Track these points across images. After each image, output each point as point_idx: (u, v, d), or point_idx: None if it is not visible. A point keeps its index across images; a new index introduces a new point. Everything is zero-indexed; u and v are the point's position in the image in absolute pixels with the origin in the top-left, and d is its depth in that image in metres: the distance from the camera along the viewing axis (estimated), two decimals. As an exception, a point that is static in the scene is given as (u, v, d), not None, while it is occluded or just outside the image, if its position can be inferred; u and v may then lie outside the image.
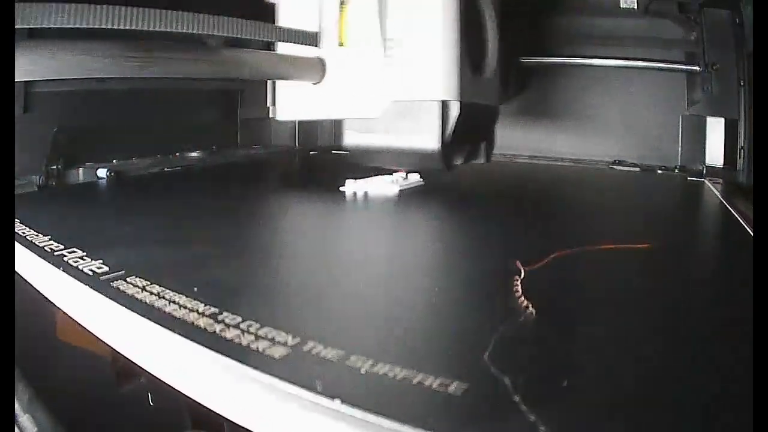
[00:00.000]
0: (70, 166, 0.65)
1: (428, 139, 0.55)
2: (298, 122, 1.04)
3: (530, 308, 0.26)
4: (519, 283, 0.29)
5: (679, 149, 0.85)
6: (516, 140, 0.93)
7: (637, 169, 0.83)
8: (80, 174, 0.66)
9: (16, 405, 0.26)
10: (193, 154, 0.83)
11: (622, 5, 0.80)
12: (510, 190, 0.71)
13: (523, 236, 0.44)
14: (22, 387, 0.27)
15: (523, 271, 0.31)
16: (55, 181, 0.62)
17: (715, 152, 0.79)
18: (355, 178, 0.60)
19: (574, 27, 0.89)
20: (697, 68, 0.77)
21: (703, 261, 0.38)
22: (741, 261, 0.35)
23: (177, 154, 0.83)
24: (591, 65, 0.87)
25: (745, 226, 0.44)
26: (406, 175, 0.63)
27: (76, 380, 0.30)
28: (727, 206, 0.54)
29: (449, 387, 0.19)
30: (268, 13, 0.61)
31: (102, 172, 0.67)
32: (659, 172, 0.82)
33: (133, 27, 0.38)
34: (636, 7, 0.79)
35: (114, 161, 0.72)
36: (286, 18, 0.61)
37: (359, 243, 0.42)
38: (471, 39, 0.57)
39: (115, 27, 0.37)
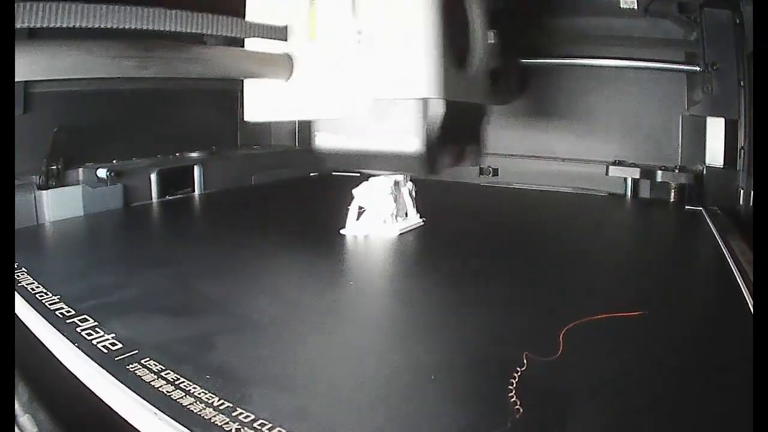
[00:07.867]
0: (70, 166, 0.65)
1: (410, 141, 0.49)
2: (298, 122, 1.04)
3: (518, 405, 0.26)
4: (517, 377, 0.29)
5: (679, 149, 0.85)
6: (516, 141, 0.93)
7: (637, 169, 0.83)
8: (80, 174, 0.66)
9: (16, 405, 0.26)
10: (193, 155, 0.83)
11: (622, 5, 0.79)
12: (509, 228, 0.70)
13: (526, 300, 0.44)
14: (22, 387, 0.27)
15: (526, 363, 0.31)
16: (55, 181, 0.62)
17: (715, 152, 0.79)
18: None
19: (573, 27, 0.89)
20: (697, 68, 0.77)
21: (695, 337, 0.37)
22: (735, 344, 0.35)
23: (177, 154, 0.83)
24: (591, 65, 0.87)
25: (744, 292, 0.42)
26: (407, 216, 0.62)
27: (76, 380, 0.30)
28: (726, 254, 0.53)
29: None
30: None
31: (102, 172, 0.67)
32: (659, 172, 0.82)
33: (97, 25, 0.36)
34: (636, 7, 0.79)
35: (114, 161, 0.72)
36: (255, 11, 0.54)
37: (361, 311, 0.42)
38: (454, 31, 0.51)
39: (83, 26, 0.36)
